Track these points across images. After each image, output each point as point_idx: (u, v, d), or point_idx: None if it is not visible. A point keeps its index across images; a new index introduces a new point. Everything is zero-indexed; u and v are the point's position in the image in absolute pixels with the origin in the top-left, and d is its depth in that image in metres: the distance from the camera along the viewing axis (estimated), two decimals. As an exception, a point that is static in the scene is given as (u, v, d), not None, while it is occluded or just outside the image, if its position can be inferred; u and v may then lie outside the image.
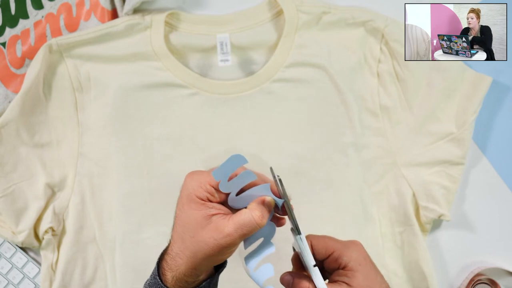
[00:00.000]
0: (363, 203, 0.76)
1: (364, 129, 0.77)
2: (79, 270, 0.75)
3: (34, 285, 0.78)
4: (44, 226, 0.74)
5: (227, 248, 0.50)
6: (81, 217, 0.75)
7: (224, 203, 0.53)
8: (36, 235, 0.75)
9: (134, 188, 0.75)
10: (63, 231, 0.76)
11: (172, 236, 0.54)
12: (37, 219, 0.74)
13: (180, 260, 0.52)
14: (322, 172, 0.76)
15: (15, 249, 0.78)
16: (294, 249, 0.55)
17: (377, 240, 0.77)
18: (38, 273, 0.78)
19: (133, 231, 0.75)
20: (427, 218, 0.76)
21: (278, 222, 0.55)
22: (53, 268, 0.75)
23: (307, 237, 0.53)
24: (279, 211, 0.54)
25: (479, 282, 0.79)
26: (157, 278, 0.53)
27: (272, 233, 0.54)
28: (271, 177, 0.54)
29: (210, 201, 0.52)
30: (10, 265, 0.78)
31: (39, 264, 0.78)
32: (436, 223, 0.79)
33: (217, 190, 0.52)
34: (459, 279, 0.80)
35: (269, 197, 0.52)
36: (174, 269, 0.52)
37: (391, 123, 0.77)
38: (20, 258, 0.78)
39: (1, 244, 0.78)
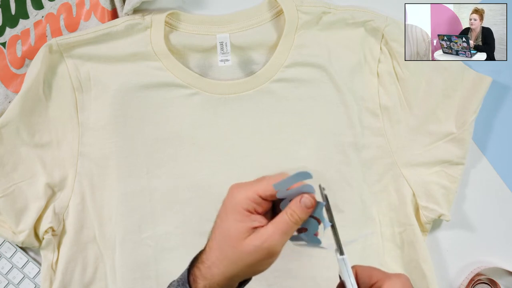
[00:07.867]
0: (363, 203, 0.76)
1: (364, 129, 0.77)
2: (79, 270, 0.75)
3: (34, 285, 0.78)
4: (44, 226, 0.74)
5: (268, 255, 0.51)
6: (81, 217, 0.75)
7: (266, 214, 0.54)
8: (36, 235, 0.75)
9: (134, 188, 0.75)
10: (63, 231, 0.76)
11: (208, 245, 0.54)
12: (37, 219, 0.74)
13: (216, 270, 0.52)
14: (322, 172, 0.76)
15: (15, 249, 0.78)
16: (340, 277, 0.55)
17: (377, 240, 0.77)
18: (38, 273, 0.78)
19: (133, 231, 0.75)
20: (427, 218, 0.76)
21: None
22: (53, 268, 0.75)
23: (353, 267, 0.54)
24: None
25: (479, 282, 0.79)
26: (187, 285, 0.53)
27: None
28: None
29: (257, 212, 0.53)
30: (11, 265, 0.78)
31: (40, 264, 0.78)
32: (436, 223, 0.79)
33: (264, 199, 0.53)
34: (459, 279, 0.80)
35: (306, 195, 0.53)
36: (209, 277, 0.53)
37: (391, 123, 0.77)
38: (20, 258, 0.78)
39: (1, 244, 0.78)
